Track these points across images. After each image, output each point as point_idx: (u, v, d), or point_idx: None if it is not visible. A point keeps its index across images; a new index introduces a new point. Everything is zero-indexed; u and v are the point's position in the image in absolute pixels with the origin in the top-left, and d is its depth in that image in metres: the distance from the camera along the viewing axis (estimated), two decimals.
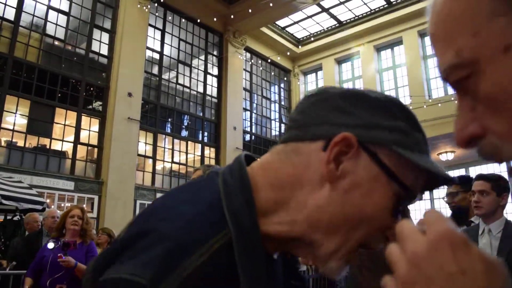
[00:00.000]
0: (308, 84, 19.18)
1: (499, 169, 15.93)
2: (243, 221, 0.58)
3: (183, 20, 14.73)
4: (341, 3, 15.71)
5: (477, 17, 0.41)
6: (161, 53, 14.16)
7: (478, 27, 0.41)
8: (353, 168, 0.59)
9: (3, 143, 10.43)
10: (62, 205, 10.69)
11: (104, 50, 12.48)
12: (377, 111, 0.61)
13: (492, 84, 0.41)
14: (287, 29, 17.55)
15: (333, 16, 16.69)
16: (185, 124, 14.91)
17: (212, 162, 14.77)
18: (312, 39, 17.90)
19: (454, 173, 17.23)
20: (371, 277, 2.12)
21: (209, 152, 15.22)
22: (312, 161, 0.60)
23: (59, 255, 3.76)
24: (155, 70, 14.00)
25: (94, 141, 11.86)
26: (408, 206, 0.63)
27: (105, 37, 12.60)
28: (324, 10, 16.13)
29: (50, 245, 3.94)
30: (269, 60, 17.41)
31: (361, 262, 2.20)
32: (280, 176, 0.62)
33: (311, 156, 0.60)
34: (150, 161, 13.37)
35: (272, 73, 18.30)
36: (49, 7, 11.49)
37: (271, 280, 0.63)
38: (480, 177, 2.84)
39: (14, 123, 10.54)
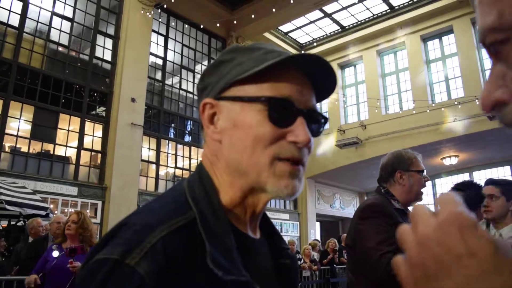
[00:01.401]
0: None
1: (503, 173, 15.89)
2: (205, 202, 0.68)
3: (186, 25, 14.79)
4: (343, 8, 15.73)
5: None
6: (164, 59, 14.20)
7: None
8: (225, 118, 0.72)
9: (7, 149, 10.46)
10: (66, 210, 10.70)
11: (108, 56, 12.53)
12: (219, 69, 0.75)
13: None
14: (290, 34, 17.58)
15: (336, 21, 16.71)
16: (189, 129, 14.93)
17: None
18: (315, 44, 17.92)
19: (458, 178, 17.18)
20: (370, 284, 2.11)
21: None
22: (207, 133, 0.75)
23: (70, 261, 3.72)
24: (159, 75, 14.04)
25: (97, 146, 11.89)
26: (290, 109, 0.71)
27: (109, 43, 12.66)
28: (327, 15, 16.16)
29: (55, 254, 3.91)
30: None
31: (359, 270, 2.19)
32: (206, 160, 0.76)
33: (206, 130, 0.75)
34: (153, 166, 13.38)
35: None
36: (53, 13, 11.55)
37: (250, 257, 0.71)
38: (490, 181, 2.86)
39: (18, 129, 10.58)
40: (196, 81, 14.87)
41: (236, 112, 0.70)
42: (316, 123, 0.75)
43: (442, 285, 0.38)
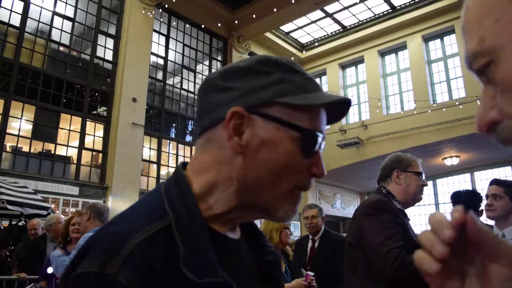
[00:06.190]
0: None
1: (504, 174, 15.86)
2: (180, 206, 0.67)
3: (188, 25, 14.80)
4: (345, 8, 15.72)
5: (502, 2, 0.43)
6: (165, 59, 14.21)
7: (501, 13, 0.43)
8: (253, 133, 0.68)
9: (8, 149, 10.47)
10: (67, 210, 10.71)
11: (109, 56, 12.54)
12: (249, 76, 0.70)
13: (507, 71, 0.43)
14: (291, 34, 17.58)
15: (337, 21, 16.71)
16: (190, 129, 14.93)
17: None
18: (316, 44, 17.91)
19: (459, 178, 17.16)
20: (368, 283, 2.11)
21: None
22: (222, 142, 0.70)
23: None
24: (160, 75, 14.05)
25: (98, 146, 11.90)
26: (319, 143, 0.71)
27: (110, 42, 12.67)
28: (328, 15, 16.15)
29: (49, 270, 3.84)
30: None
31: (356, 268, 2.19)
32: (203, 165, 0.72)
33: (220, 138, 0.70)
34: (154, 166, 13.39)
35: None
36: (55, 13, 11.56)
37: (230, 258, 0.71)
38: (494, 182, 2.92)
39: (19, 129, 10.59)
40: (197, 80, 14.97)
41: (270, 132, 0.68)
42: None
43: None
